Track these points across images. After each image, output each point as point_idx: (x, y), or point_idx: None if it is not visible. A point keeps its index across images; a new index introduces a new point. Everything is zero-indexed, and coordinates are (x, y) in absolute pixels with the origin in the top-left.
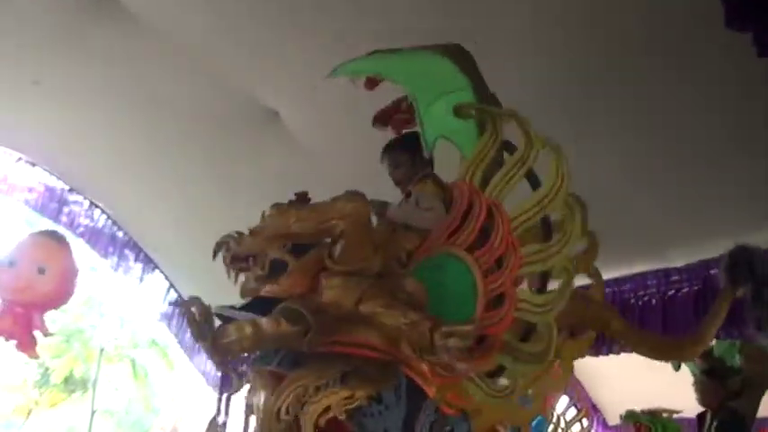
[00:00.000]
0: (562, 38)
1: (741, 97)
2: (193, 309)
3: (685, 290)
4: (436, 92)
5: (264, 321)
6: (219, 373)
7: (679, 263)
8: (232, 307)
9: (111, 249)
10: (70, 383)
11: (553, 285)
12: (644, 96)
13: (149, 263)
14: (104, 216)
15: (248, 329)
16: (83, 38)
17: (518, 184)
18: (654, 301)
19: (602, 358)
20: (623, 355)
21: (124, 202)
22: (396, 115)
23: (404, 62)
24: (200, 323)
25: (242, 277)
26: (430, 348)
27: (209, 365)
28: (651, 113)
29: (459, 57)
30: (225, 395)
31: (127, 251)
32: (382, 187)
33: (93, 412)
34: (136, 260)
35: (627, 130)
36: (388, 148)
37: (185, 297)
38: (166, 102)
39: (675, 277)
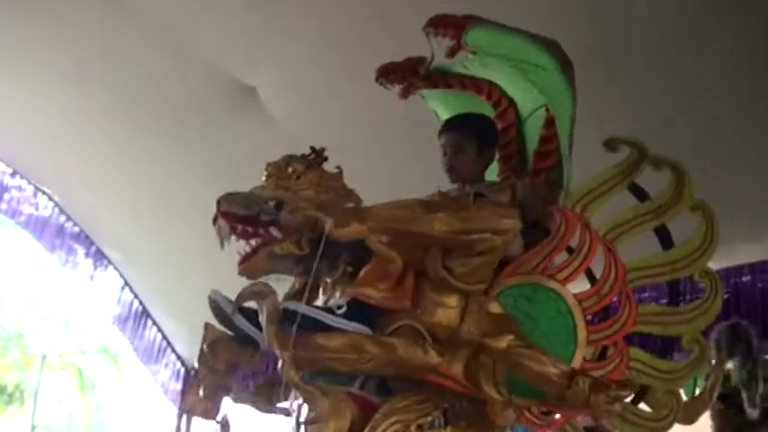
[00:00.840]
0: None
1: None
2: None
3: None
4: (537, 101)
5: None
6: (180, 385)
7: None
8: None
9: (58, 242)
10: (5, 395)
11: None
12: None
13: (101, 259)
14: (51, 204)
15: (371, 347)
16: (36, 8)
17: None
18: None
19: None
20: None
21: (74, 189)
22: (410, 78)
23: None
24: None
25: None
26: (579, 402)
27: (168, 375)
28: None
29: (564, 61)
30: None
31: (76, 245)
32: (367, 168)
33: (33, 428)
34: (86, 255)
35: None
36: (453, 127)
37: (142, 298)
38: (129, 77)
39: None
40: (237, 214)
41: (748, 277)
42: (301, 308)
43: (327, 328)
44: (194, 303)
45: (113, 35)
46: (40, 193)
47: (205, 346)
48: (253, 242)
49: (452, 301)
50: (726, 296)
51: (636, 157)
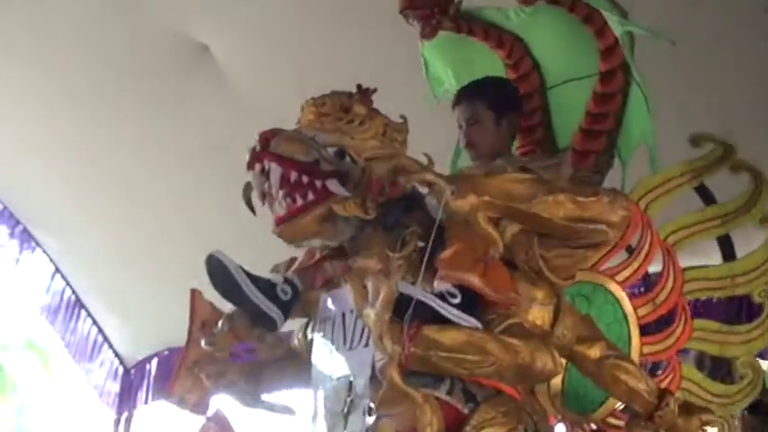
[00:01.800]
0: None
1: None
2: None
3: None
4: (578, 69)
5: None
6: (118, 387)
7: None
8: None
9: None
10: None
11: None
12: None
13: (28, 240)
14: None
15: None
16: None
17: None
18: None
19: None
20: None
21: None
22: (439, 15)
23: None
24: None
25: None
26: (668, 424)
27: (104, 375)
28: None
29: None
30: (125, 414)
31: None
32: None
33: None
34: (11, 236)
35: None
36: (466, 96)
37: (76, 287)
38: (61, 34)
39: None
40: (295, 159)
41: None
42: (418, 293)
43: (437, 320)
44: (137, 293)
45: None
46: None
47: (220, 323)
48: (299, 200)
49: (544, 297)
50: None
51: (718, 156)
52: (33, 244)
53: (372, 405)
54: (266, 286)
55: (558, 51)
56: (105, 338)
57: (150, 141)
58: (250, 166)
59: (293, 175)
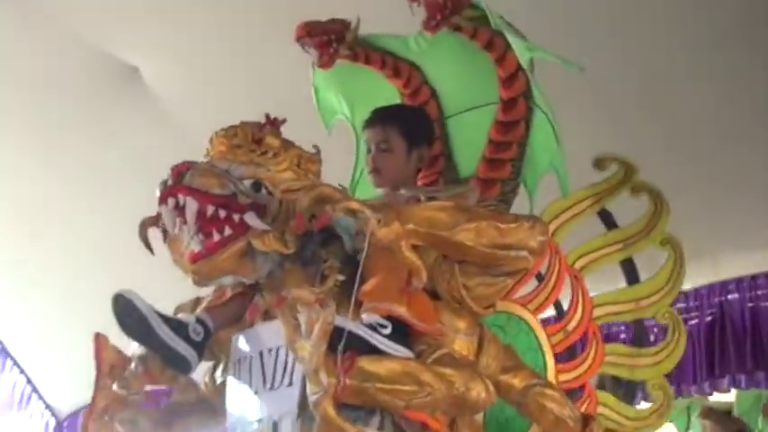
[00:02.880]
0: None
1: None
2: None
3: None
4: (479, 97)
5: None
6: None
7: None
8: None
9: None
10: None
11: None
12: None
13: None
14: None
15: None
16: None
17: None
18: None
19: None
20: None
21: None
22: (336, 43)
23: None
24: None
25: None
26: None
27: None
28: None
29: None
30: None
31: None
32: None
33: None
34: None
35: None
36: (380, 120)
37: None
38: None
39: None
40: (211, 193)
41: (735, 295)
42: (350, 324)
43: (369, 352)
44: (66, 337)
45: None
46: None
47: (133, 364)
48: (215, 235)
49: (467, 327)
50: (709, 318)
51: (619, 178)
52: None
53: None
54: (178, 326)
55: (457, 79)
56: (34, 389)
57: (76, 165)
58: (162, 200)
59: (210, 210)
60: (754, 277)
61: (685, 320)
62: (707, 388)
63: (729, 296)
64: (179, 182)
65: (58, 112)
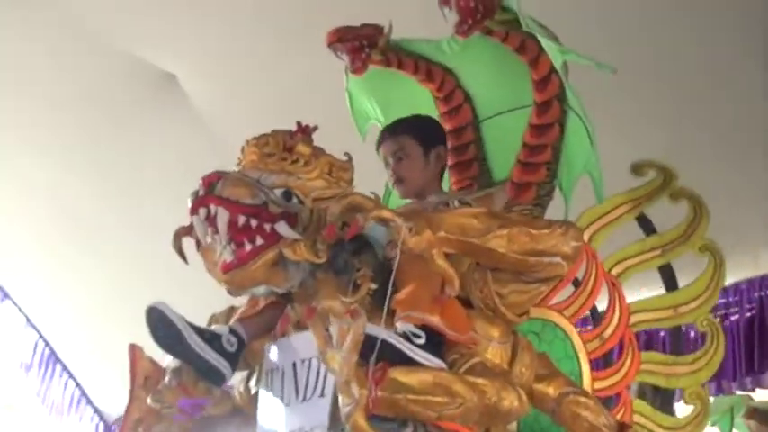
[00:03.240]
0: None
1: None
2: None
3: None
4: (514, 100)
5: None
6: None
7: None
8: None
9: None
10: None
11: None
12: None
13: None
14: None
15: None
16: None
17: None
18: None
19: None
20: None
21: None
22: (368, 48)
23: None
24: None
25: None
26: None
27: None
28: None
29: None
30: None
31: None
32: None
33: None
34: None
35: None
36: (391, 133)
37: (49, 338)
38: (36, 68)
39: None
40: (242, 203)
41: None
42: (384, 334)
43: (400, 362)
44: (115, 343)
45: (20, 26)
46: None
47: (167, 378)
48: (247, 245)
49: (501, 335)
50: (749, 313)
51: (658, 184)
52: (1, 294)
53: None
54: (211, 338)
55: (491, 83)
56: (83, 393)
57: (116, 174)
58: (193, 210)
59: (241, 220)
60: None
61: (726, 316)
62: (749, 384)
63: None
64: (210, 192)
65: (97, 121)
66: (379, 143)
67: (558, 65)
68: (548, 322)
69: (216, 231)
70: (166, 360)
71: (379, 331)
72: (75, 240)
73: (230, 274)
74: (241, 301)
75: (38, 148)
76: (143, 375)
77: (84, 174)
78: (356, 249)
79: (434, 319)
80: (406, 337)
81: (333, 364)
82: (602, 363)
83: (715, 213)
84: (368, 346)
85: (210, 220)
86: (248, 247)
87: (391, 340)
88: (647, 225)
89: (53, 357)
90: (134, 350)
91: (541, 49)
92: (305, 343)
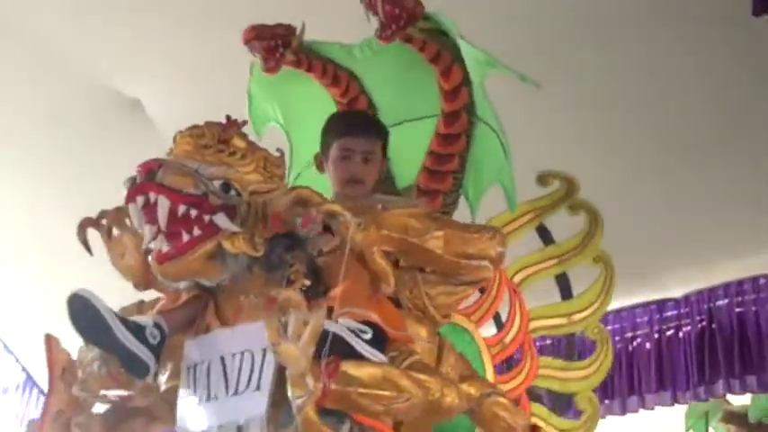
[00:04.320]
0: None
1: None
2: None
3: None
4: (419, 109)
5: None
6: None
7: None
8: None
9: None
10: None
11: None
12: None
13: None
14: None
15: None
16: None
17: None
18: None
19: None
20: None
21: None
22: (282, 48)
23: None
24: None
25: None
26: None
27: None
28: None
29: None
30: None
31: None
32: None
33: None
34: None
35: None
36: (365, 130)
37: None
38: None
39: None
40: (184, 192)
41: (724, 301)
42: (335, 328)
43: (349, 357)
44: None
45: None
46: None
47: (95, 365)
48: (185, 235)
49: (428, 335)
50: (700, 324)
51: (560, 195)
52: None
53: None
54: (136, 329)
55: (396, 90)
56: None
57: (78, 197)
58: (130, 198)
59: (181, 209)
60: (740, 283)
61: (678, 327)
62: (702, 394)
63: (718, 302)
64: (150, 179)
65: (60, 145)
66: (347, 132)
67: (481, 76)
68: (456, 326)
69: (150, 221)
70: (79, 351)
71: (330, 325)
72: (44, 263)
73: (166, 264)
74: (150, 296)
75: (3, 172)
76: (60, 367)
77: (51, 197)
78: (288, 245)
79: (373, 316)
80: (353, 332)
81: (286, 355)
82: (504, 367)
83: (667, 226)
84: (319, 340)
85: (149, 208)
86: (185, 237)
87: (342, 334)
88: (545, 235)
89: (30, 381)
90: (50, 341)
91: (454, 60)
92: (238, 336)
